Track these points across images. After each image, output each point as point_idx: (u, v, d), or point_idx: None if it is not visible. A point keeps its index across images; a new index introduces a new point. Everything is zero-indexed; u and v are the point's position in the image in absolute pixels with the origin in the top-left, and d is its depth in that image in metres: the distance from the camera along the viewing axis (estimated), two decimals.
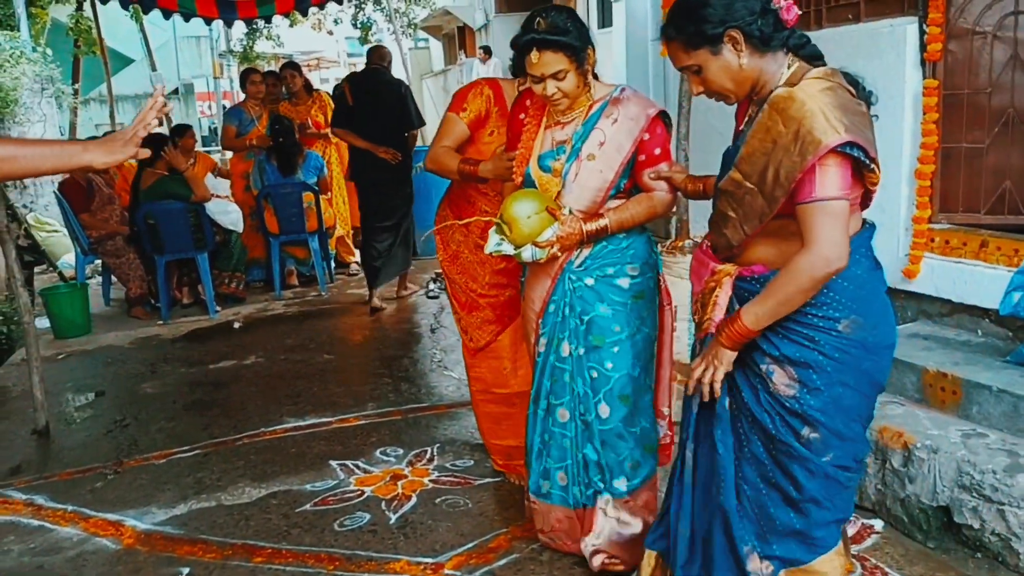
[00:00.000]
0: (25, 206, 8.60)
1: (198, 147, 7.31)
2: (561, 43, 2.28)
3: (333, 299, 6.48)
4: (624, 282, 2.44)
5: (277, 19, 8.95)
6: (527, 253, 2.35)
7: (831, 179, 1.67)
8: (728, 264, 1.91)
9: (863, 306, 1.80)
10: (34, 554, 2.93)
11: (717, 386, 1.87)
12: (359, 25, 15.63)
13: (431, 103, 19.57)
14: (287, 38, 18.09)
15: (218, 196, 6.55)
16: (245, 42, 17.20)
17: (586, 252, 2.44)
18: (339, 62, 26.68)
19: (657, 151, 2.38)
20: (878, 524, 2.78)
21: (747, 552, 1.90)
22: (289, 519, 3.05)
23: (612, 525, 2.48)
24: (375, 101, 5.61)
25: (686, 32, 1.82)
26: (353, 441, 3.72)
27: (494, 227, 2.42)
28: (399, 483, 3.28)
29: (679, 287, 2.53)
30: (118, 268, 6.22)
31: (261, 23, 14.17)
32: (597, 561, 2.50)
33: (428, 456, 3.51)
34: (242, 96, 7.18)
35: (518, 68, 2.39)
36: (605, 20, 12.41)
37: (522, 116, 2.56)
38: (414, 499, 3.14)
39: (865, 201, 1.84)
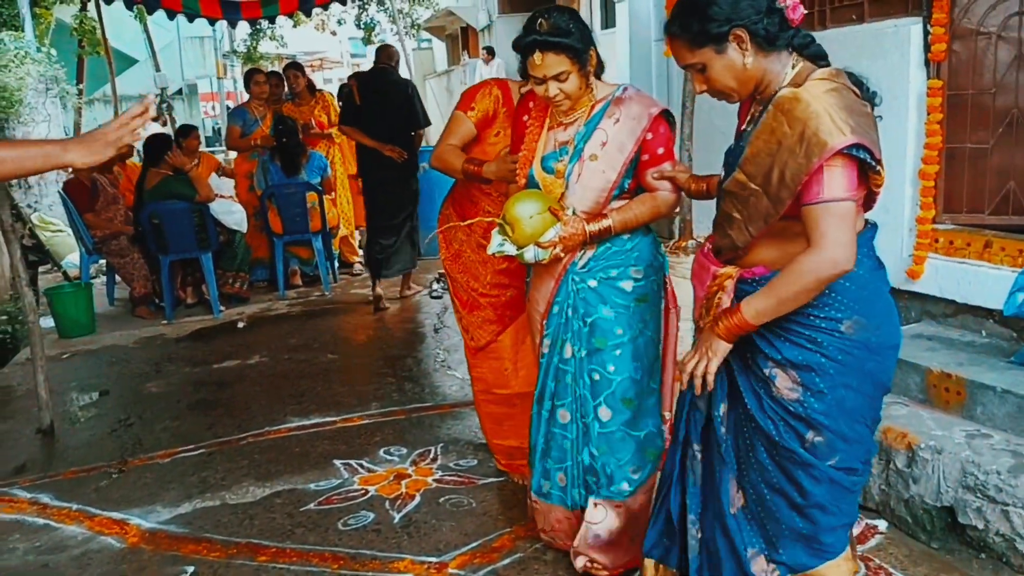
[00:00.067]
0: (30, 206, 8.62)
1: (202, 147, 7.32)
2: (563, 45, 2.26)
3: (337, 299, 6.48)
4: (627, 285, 2.42)
5: (281, 19, 8.99)
6: (529, 254, 2.35)
7: (837, 180, 1.66)
8: (730, 267, 1.90)
9: (866, 307, 1.79)
10: (39, 552, 2.94)
11: (710, 378, 1.84)
12: (362, 26, 15.67)
13: (434, 104, 19.56)
14: (291, 38, 18.12)
15: (222, 196, 6.58)
16: (249, 42, 17.25)
17: (589, 253, 2.43)
18: (342, 62, 26.72)
19: (660, 150, 2.37)
20: (882, 524, 2.78)
21: (751, 556, 1.89)
22: (293, 518, 3.06)
23: (591, 529, 2.46)
24: (383, 100, 5.65)
25: (691, 30, 1.81)
26: (357, 440, 3.72)
27: (497, 227, 2.42)
28: (403, 482, 3.28)
29: (681, 288, 2.53)
30: (122, 268, 6.23)
31: (265, 23, 14.22)
32: (579, 563, 2.51)
33: (432, 456, 3.51)
34: (246, 96, 7.20)
35: (524, 70, 2.39)
36: (608, 20, 12.42)
37: (525, 118, 2.56)
38: (418, 498, 3.15)
39: (868, 202, 1.83)
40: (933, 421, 2.80)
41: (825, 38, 1.91)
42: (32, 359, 4.08)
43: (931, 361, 2.95)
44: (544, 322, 2.54)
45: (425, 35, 24.22)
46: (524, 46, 2.31)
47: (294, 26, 15.45)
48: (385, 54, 6.07)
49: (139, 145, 7.36)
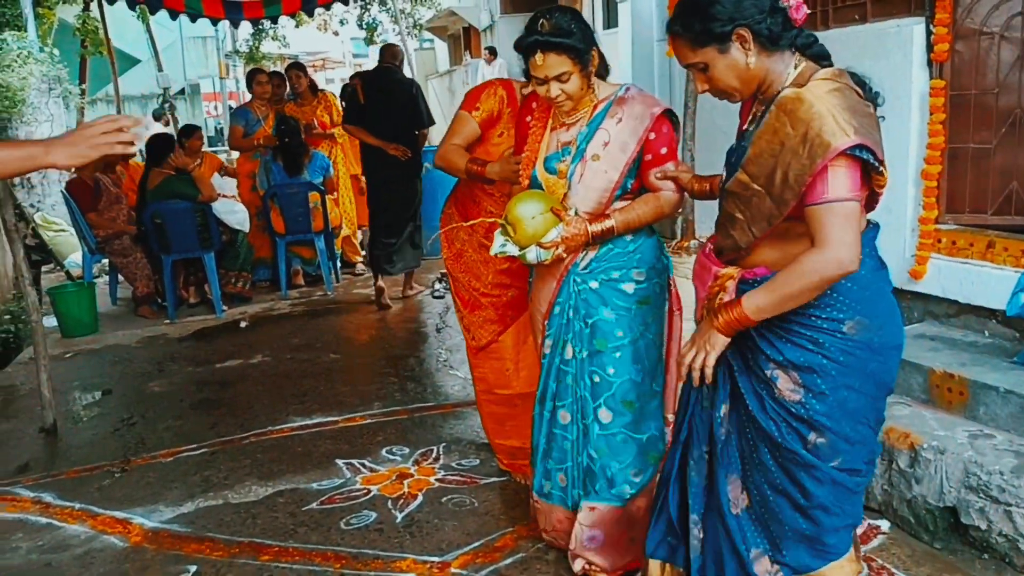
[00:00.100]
0: (32, 205, 8.63)
1: (205, 147, 7.33)
2: (564, 45, 2.25)
3: (339, 299, 6.49)
4: (629, 287, 2.41)
5: (283, 19, 9.00)
6: (532, 254, 2.34)
7: (841, 180, 1.65)
8: (731, 268, 1.89)
9: (868, 307, 1.78)
10: (42, 551, 2.94)
11: (708, 371, 1.84)
12: (364, 26, 15.67)
13: (436, 104, 19.53)
14: (293, 39, 18.12)
15: (224, 196, 6.58)
16: (251, 42, 17.24)
17: (591, 254, 2.42)
18: (344, 63, 26.72)
19: (663, 150, 2.36)
20: (884, 525, 2.78)
21: (755, 557, 1.89)
22: (296, 517, 3.06)
23: (584, 531, 2.45)
24: (387, 99, 5.68)
25: (693, 29, 1.79)
26: (359, 440, 3.73)
27: (499, 228, 2.41)
28: (405, 482, 3.29)
29: (683, 288, 2.53)
30: (125, 267, 6.24)
31: (267, 24, 14.22)
32: (577, 566, 2.51)
33: (434, 455, 3.51)
34: (248, 96, 7.21)
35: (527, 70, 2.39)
36: (610, 21, 12.42)
37: (529, 118, 2.55)
38: (420, 498, 3.15)
39: (871, 203, 1.82)
40: (936, 421, 2.80)
41: (827, 38, 1.91)
42: (35, 358, 4.09)
43: (934, 361, 2.95)
44: (546, 322, 2.53)
45: (427, 35, 24.22)
46: (525, 47, 2.31)
47: (296, 26, 15.45)
48: (389, 53, 6.10)
49: (142, 145, 7.37)
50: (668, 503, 2.09)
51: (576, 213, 2.38)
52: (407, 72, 7.11)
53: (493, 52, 16.15)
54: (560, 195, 2.41)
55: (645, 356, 2.43)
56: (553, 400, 2.52)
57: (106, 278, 6.90)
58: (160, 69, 12.11)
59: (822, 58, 1.83)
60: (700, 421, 2.00)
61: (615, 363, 2.39)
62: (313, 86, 7.23)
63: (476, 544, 2.81)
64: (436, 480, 3.29)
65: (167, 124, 11.02)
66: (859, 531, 2.67)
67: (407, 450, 3.58)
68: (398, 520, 3.00)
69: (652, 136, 2.35)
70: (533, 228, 2.31)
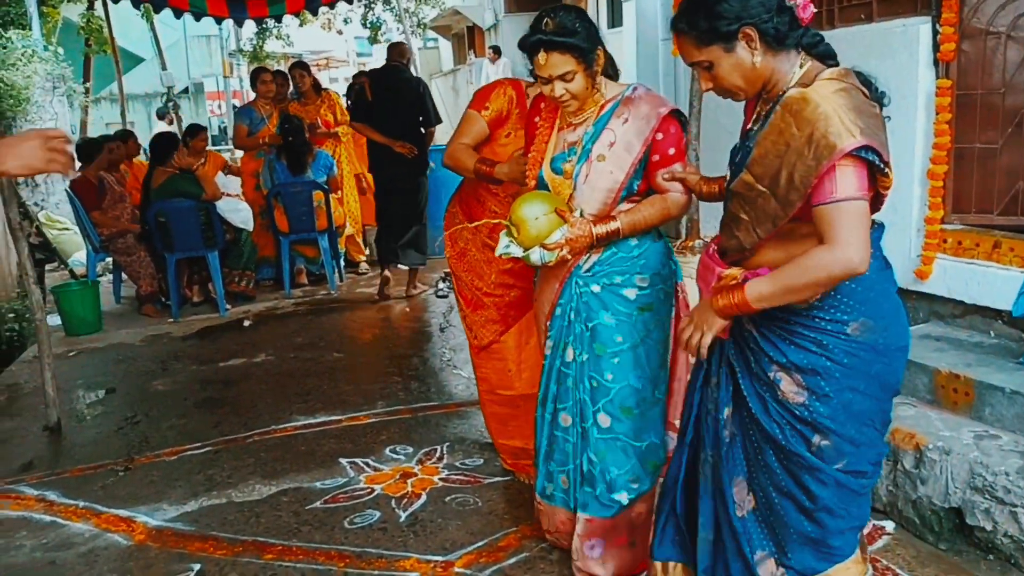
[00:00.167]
0: (37, 204, 8.65)
1: (209, 146, 7.34)
2: (568, 44, 2.24)
3: (343, 298, 6.49)
4: (631, 292, 2.37)
5: (287, 18, 8.98)
6: (535, 255, 2.31)
7: (850, 179, 1.63)
8: (735, 268, 1.88)
9: (873, 308, 1.76)
10: (46, 549, 2.94)
11: (704, 351, 1.85)
12: (368, 25, 15.69)
13: (440, 103, 19.50)
14: (297, 37, 18.16)
15: (228, 194, 6.59)
16: (255, 41, 17.29)
17: (595, 257, 2.39)
18: (348, 62, 26.73)
19: (671, 151, 2.33)
20: (889, 525, 2.77)
21: (760, 559, 1.88)
22: (299, 516, 3.06)
23: (585, 543, 2.43)
24: (394, 97, 5.72)
25: (699, 27, 1.77)
26: (363, 439, 3.73)
27: (504, 229, 2.40)
28: (409, 481, 3.28)
29: (688, 288, 2.52)
30: (129, 266, 6.25)
31: (271, 22, 14.23)
32: None
33: (438, 454, 3.51)
34: (252, 95, 7.21)
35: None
36: (615, 20, 12.38)
37: (537, 119, 2.53)
38: (424, 497, 3.15)
39: (875, 205, 1.78)
40: (941, 422, 2.79)
41: (834, 37, 1.90)
42: (39, 357, 4.09)
43: (939, 362, 2.94)
44: (548, 323, 2.52)
45: (431, 34, 24.23)
46: (529, 45, 2.29)
47: (300, 25, 15.45)
48: (397, 51, 6.14)
49: (146, 144, 7.39)
50: (676, 505, 2.07)
51: (581, 214, 2.35)
52: (413, 71, 7.13)
53: (497, 51, 16.12)
54: (566, 196, 2.38)
55: (646, 363, 2.38)
56: (554, 402, 2.50)
57: (110, 277, 6.91)
58: (164, 68, 12.13)
59: (828, 57, 1.80)
60: (706, 423, 1.99)
61: (614, 368, 2.36)
62: (316, 85, 7.23)
63: (480, 543, 2.81)
64: (440, 479, 3.29)
65: (171, 123, 11.04)
66: (864, 531, 2.67)
67: (411, 449, 3.58)
68: (402, 519, 2.99)
69: (659, 136, 2.32)
70: (537, 229, 2.29)
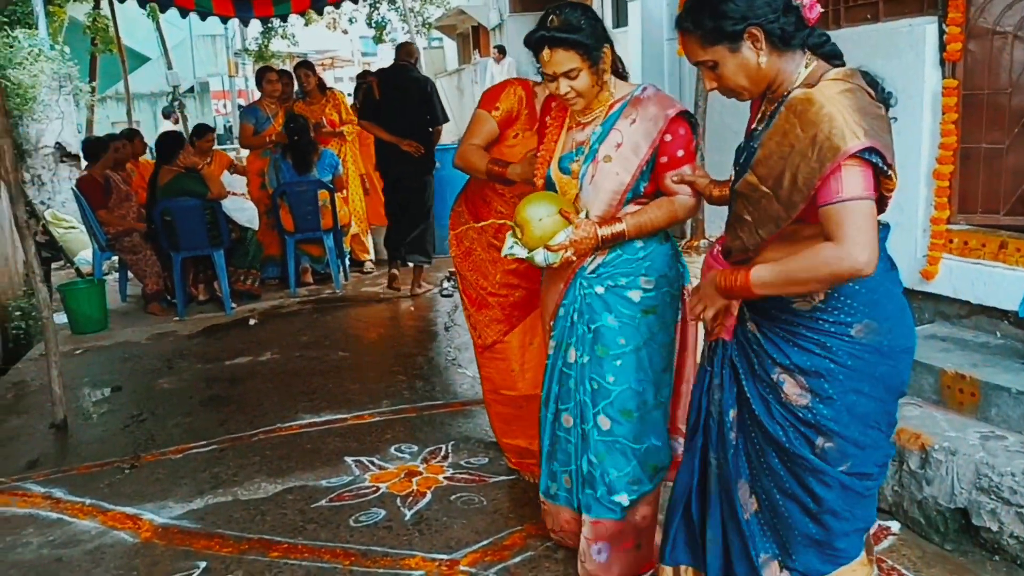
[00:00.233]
0: (43, 202, 8.69)
1: (214, 145, 7.36)
2: (572, 41, 2.22)
3: (348, 296, 6.50)
4: (635, 295, 2.35)
5: (292, 18, 9.01)
6: (539, 256, 2.30)
7: (856, 179, 1.61)
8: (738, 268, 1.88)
9: (877, 309, 1.75)
10: (53, 546, 2.96)
11: (707, 321, 1.92)
12: (374, 24, 15.69)
13: (445, 102, 19.55)
14: (302, 37, 18.16)
15: (234, 193, 6.61)
16: (260, 41, 17.31)
17: (600, 259, 2.36)
18: (353, 61, 26.73)
19: (680, 153, 2.30)
20: (895, 526, 2.76)
21: (764, 561, 1.87)
22: (305, 514, 3.07)
23: (592, 547, 2.42)
24: (402, 96, 5.78)
25: (704, 27, 1.75)
26: (368, 438, 3.73)
27: (511, 229, 2.39)
28: (414, 480, 3.29)
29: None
30: (135, 264, 6.27)
31: (277, 22, 14.25)
32: None
33: (443, 453, 3.52)
34: (258, 94, 7.23)
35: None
36: (620, 19, 12.37)
37: (548, 119, 2.52)
38: (429, 496, 3.15)
39: (879, 207, 1.76)
40: (947, 422, 2.78)
41: (839, 37, 1.88)
42: (46, 355, 4.11)
43: (945, 362, 2.94)
44: (551, 324, 2.52)
45: (436, 34, 24.24)
46: (534, 42, 2.28)
47: (305, 24, 15.50)
48: (405, 51, 6.18)
49: (152, 143, 7.40)
50: (689, 508, 2.05)
51: (587, 215, 2.33)
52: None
53: (502, 51, 16.13)
54: (572, 196, 2.37)
55: (649, 366, 2.36)
56: (556, 403, 2.50)
57: (116, 275, 6.93)
58: (170, 67, 12.17)
59: (834, 57, 1.79)
60: (711, 426, 1.98)
61: (615, 371, 2.34)
62: (322, 84, 7.25)
63: (485, 542, 2.81)
64: (445, 478, 3.29)
65: (176, 122, 11.07)
66: (870, 532, 2.67)
67: (416, 448, 3.59)
68: (407, 518, 3.00)
69: (668, 138, 2.28)
70: (541, 230, 2.27)
